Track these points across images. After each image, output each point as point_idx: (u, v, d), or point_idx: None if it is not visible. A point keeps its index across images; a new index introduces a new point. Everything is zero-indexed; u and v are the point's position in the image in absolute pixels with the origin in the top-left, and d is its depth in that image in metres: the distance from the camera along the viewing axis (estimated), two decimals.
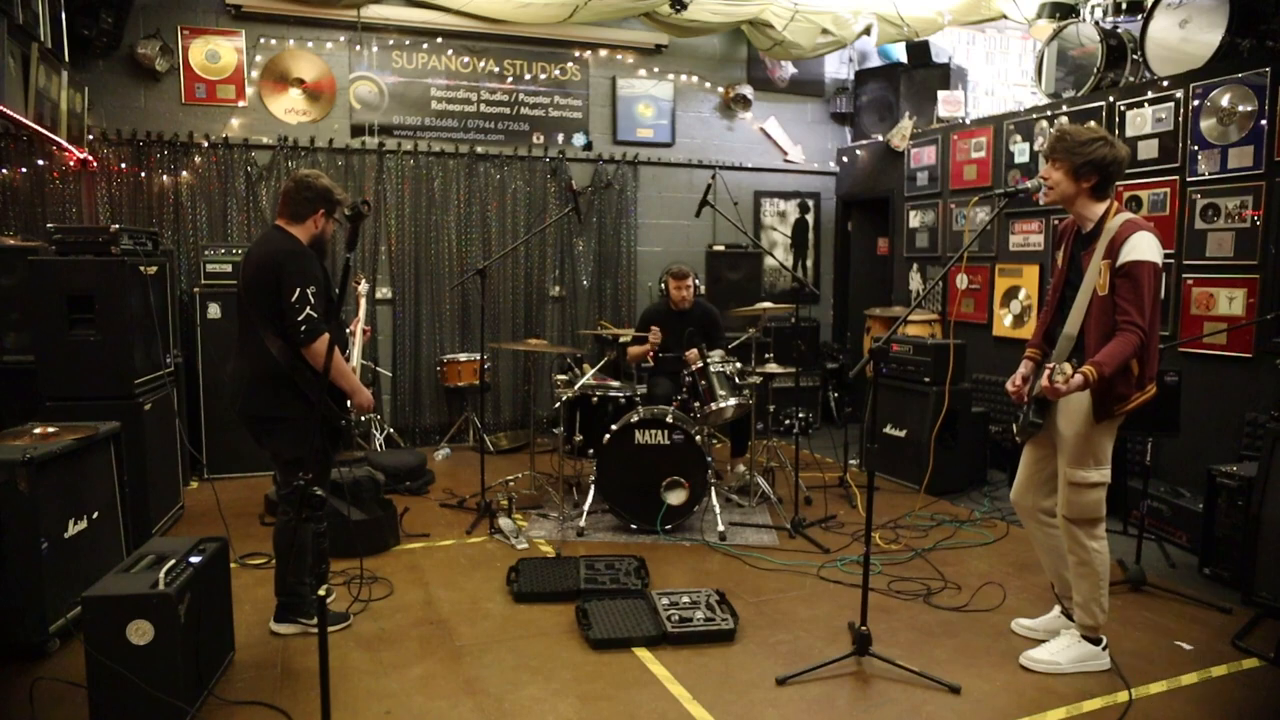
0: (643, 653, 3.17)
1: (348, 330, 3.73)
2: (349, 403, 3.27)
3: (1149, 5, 4.91)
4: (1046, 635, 3.22)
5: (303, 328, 2.98)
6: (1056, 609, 3.30)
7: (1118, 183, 3.00)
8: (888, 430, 5.55)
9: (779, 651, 3.20)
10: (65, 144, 4.98)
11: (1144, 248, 2.79)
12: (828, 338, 7.81)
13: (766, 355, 6.01)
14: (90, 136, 5.48)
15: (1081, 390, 2.81)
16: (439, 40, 6.43)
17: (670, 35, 6.83)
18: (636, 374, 5.51)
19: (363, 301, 3.79)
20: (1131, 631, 3.37)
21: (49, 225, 4.17)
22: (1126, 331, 2.78)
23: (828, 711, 2.81)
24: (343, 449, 3.31)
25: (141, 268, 4.21)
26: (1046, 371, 2.82)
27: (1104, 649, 3.06)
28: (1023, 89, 7.35)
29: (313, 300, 2.99)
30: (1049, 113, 5.58)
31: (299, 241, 3.15)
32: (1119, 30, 5.36)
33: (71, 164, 5.50)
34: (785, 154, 7.61)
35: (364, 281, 3.85)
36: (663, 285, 5.53)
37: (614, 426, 4.51)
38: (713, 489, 4.54)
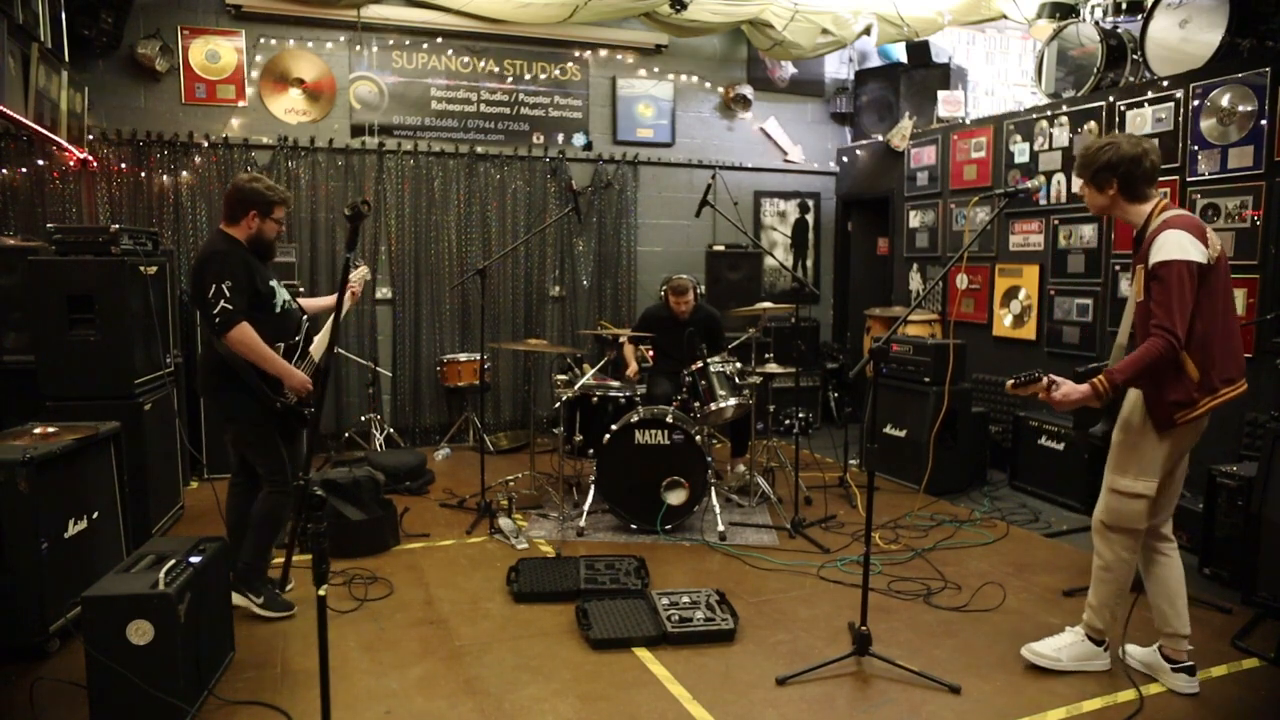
0: (643, 653, 3.17)
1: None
2: (285, 388, 3.38)
3: (1149, 5, 4.91)
4: (1145, 668, 3.04)
5: (216, 319, 3.18)
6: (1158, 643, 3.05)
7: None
8: (888, 430, 5.55)
9: (779, 651, 3.20)
10: (65, 144, 4.97)
11: (1170, 246, 2.66)
12: (828, 338, 7.81)
13: (766, 355, 6.02)
14: (90, 136, 5.48)
15: (1092, 400, 2.73)
16: (439, 40, 6.43)
17: (670, 35, 6.83)
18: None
19: (356, 277, 3.81)
20: (1131, 631, 3.35)
21: (49, 225, 4.17)
22: (1153, 336, 2.65)
23: (828, 711, 2.81)
24: (300, 433, 3.49)
25: (141, 268, 4.21)
26: (1044, 380, 2.80)
27: (1105, 650, 3.06)
28: (1023, 89, 7.35)
29: (228, 294, 3.17)
30: (1049, 113, 5.58)
31: (231, 240, 3.34)
32: (1119, 30, 5.37)
33: (71, 164, 5.50)
34: (785, 154, 7.61)
35: (363, 266, 3.89)
36: (662, 294, 5.52)
37: (614, 426, 4.51)
38: (713, 489, 4.54)
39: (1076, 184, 3.00)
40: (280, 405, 3.33)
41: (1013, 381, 2.81)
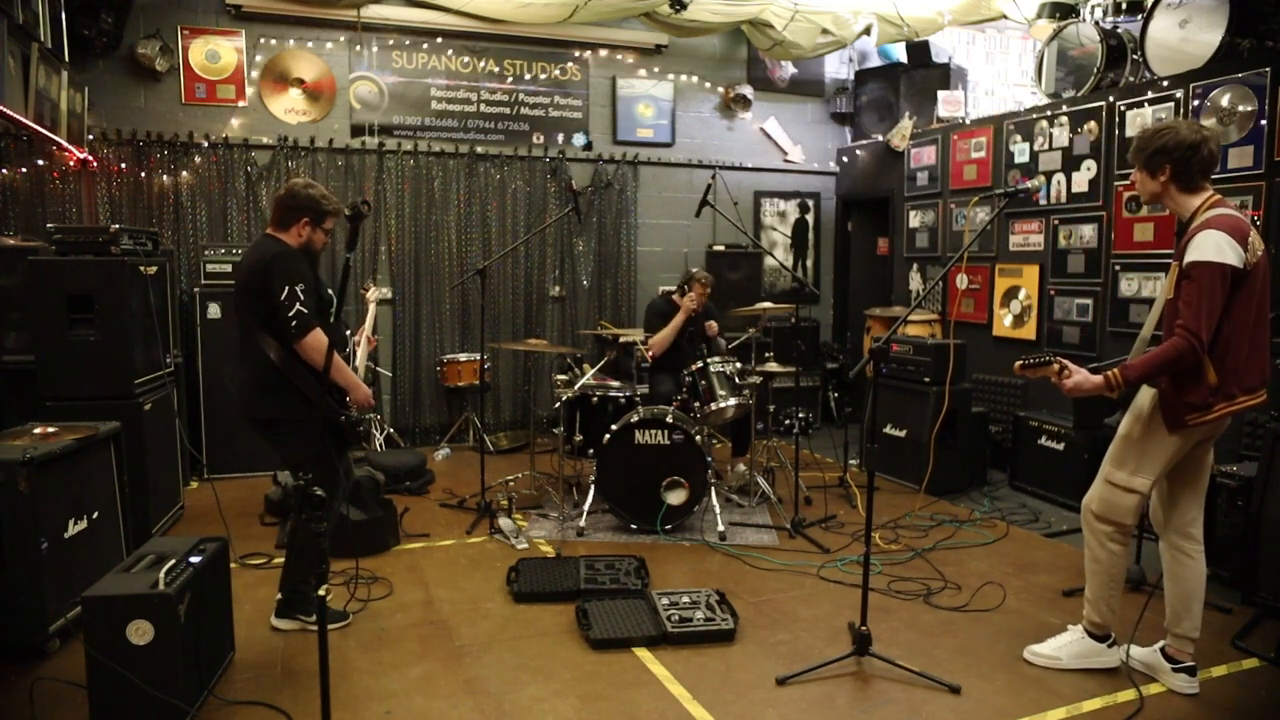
0: (643, 653, 3.17)
1: (352, 337, 3.73)
2: (348, 399, 3.29)
3: (1149, 5, 4.91)
4: (1145, 668, 3.03)
5: (293, 323, 3.03)
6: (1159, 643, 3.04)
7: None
8: (888, 430, 5.55)
9: (779, 651, 3.20)
10: (65, 144, 4.97)
11: (1207, 247, 2.59)
12: (828, 338, 7.81)
13: (766, 355, 6.01)
14: (90, 136, 5.48)
15: (1104, 391, 2.71)
16: (439, 40, 6.43)
17: (670, 35, 6.83)
18: (636, 374, 5.52)
19: (372, 307, 3.80)
20: (1140, 631, 3.36)
21: (49, 225, 4.17)
22: (1176, 336, 2.60)
23: (828, 711, 2.81)
24: (352, 447, 3.35)
25: (141, 268, 4.21)
26: (1055, 364, 2.78)
27: (1111, 645, 3.05)
28: (1023, 89, 7.35)
29: (302, 297, 3.05)
30: (1049, 113, 5.58)
31: (287, 245, 3.22)
32: (1119, 30, 5.36)
33: (71, 164, 5.50)
34: (785, 154, 7.61)
35: (374, 288, 3.86)
36: (685, 287, 5.36)
37: (614, 426, 4.50)
38: (713, 489, 4.54)
39: (1132, 173, 2.88)
40: (344, 418, 3.20)
41: (1021, 362, 2.81)
